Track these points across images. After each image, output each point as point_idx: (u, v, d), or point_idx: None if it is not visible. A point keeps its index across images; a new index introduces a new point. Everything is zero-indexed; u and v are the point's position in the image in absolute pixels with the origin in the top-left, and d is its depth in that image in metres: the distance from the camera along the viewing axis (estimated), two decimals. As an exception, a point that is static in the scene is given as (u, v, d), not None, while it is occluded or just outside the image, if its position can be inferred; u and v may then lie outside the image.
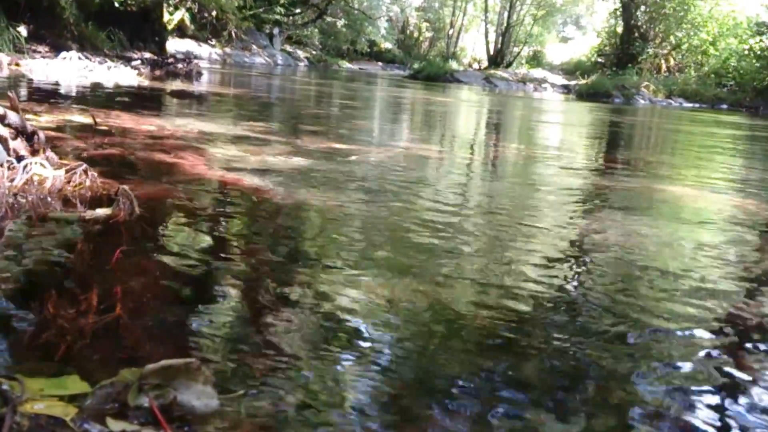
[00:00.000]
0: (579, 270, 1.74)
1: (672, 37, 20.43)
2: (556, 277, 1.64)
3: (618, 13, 22.53)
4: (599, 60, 23.28)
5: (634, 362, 1.19)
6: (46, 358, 1.02)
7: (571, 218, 2.39)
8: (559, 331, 1.30)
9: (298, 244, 1.74)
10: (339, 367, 1.07)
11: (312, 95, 9.01)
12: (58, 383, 0.94)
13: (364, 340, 1.18)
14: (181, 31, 17.90)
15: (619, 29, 22.23)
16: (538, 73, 23.03)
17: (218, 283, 1.40)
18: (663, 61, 20.14)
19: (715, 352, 1.28)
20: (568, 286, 1.59)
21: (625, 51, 20.56)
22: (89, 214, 1.69)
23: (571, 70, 24.61)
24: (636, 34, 20.48)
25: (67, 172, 1.97)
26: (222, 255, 1.58)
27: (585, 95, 15.95)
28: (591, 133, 6.84)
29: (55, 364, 1.01)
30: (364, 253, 1.67)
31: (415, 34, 42.75)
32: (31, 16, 9.07)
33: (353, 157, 3.27)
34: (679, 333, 1.34)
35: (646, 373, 1.15)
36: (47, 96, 4.69)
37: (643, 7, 20.67)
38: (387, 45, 38.31)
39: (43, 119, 3.28)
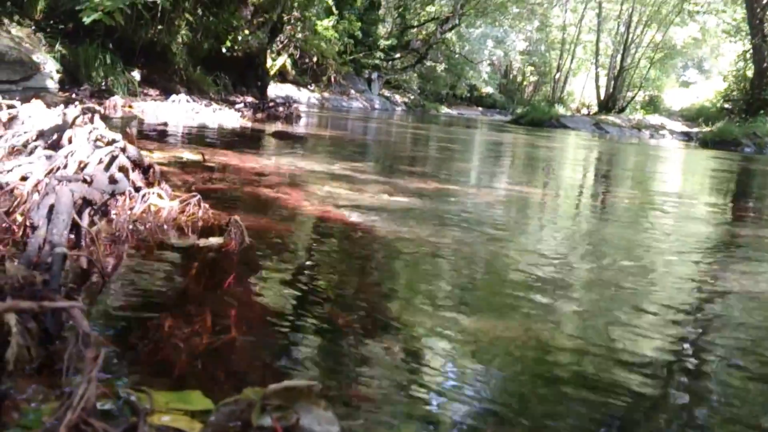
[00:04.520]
0: (701, 325, 1.67)
1: (812, 81, 19.30)
2: (673, 330, 1.58)
3: (748, 55, 21.61)
4: (726, 106, 22.31)
5: None
6: (164, 375, 1.12)
7: (693, 267, 2.30)
8: (674, 391, 1.26)
9: (397, 279, 1.80)
10: (444, 402, 1.09)
11: (409, 138, 9.22)
12: (182, 398, 1.02)
13: (464, 377, 1.21)
14: (282, 76, 18.94)
15: (749, 73, 21.27)
16: (654, 119, 22.36)
17: (323, 312, 1.47)
18: (802, 108, 18.98)
19: None
20: (688, 342, 1.52)
21: (756, 96, 19.59)
22: (203, 242, 1.84)
23: (693, 116, 23.74)
24: (769, 78, 19.50)
25: (181, 202, 2.15)
26: (326, 285, 1.67)
27: (709, 143, 15.27)
28: (717, 182, 6.54)
29: (174, 380, 1.10)
30: (463, 291, 1.70)
31: (519, 79, 42.85)
32: (145, 61, 9.95)
33: (454, 198, 3.33)
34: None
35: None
36: (158, 135, 5.10)
37: (776, 49, 19.73)
38: (488, 89, 38.61)
39: (156, 155, 3.58)
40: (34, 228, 1.52)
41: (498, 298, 1.71)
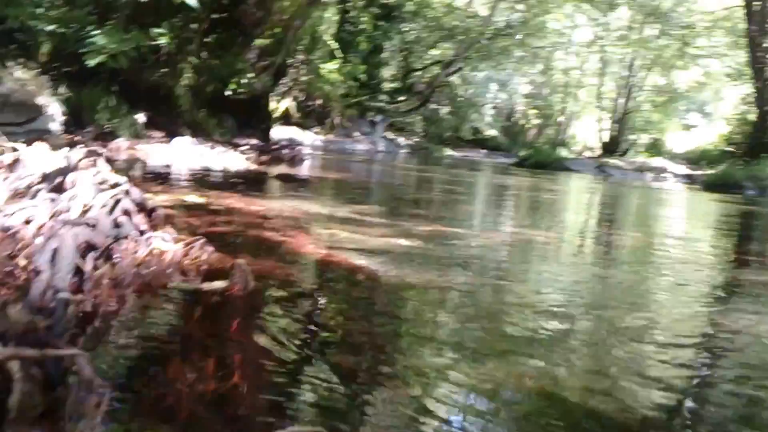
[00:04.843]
0: (704, 369, 1.66)
1: (815, 125, 19.46)
2: (676, 373, 1.57)
3: (750, 99, 21.87)
4: (728, 149, 22.49)
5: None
6: (168, 421, 1.11)
7: (694, 311, 2.29)
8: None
9: (402, 324, 1.80)
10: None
11: (413, 181, 9.27)
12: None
13: (470, 423, 1.20)
14: (286, 118, 19.20)
15: (751, 116, 21.50)
16: (657, 161, 22.50)
17: (328, 356, 1.47)
18: (805, 151, 19.08)
19: None
20: (690, 386, 1.51)
21: (758, 140, 19.74)
22: (207, 286, 1.84)
23: (696, 159, 23.89)
24: (771, 122, 19.68)
25: (185, 246, 2.16)
26: (330, 330, 1.67)
27: (712, 186, 15.33)
28: (719, 225, 6.54)
29: (177, 426, 1.09)
30: (467, 336, 1.70)
31: (522, 121, 43.27)
32: (150, 103, 10.08)
33: (459, 241, 3.34)
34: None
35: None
36: (162, 178, 5.14)
37: (779, 93, 19.95)
38: (492, 132, 38.96)
39: (160, 198, 3.60)
40: (37, 272, 1.53)
41: (502, 343, 1.70)
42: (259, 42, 12.48)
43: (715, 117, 35.18)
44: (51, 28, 8.97)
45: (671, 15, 28.77)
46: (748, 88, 22.30)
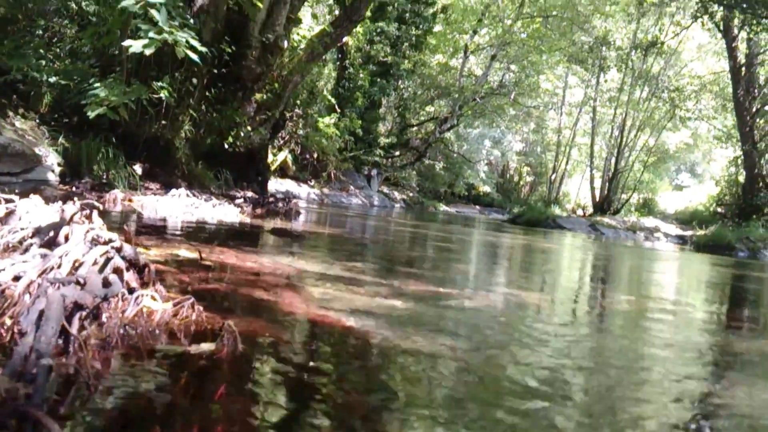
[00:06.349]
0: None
1: (804, 188, 19.74)
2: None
3: (739, 161, 22.22)
4: (719, 210, 22.72)
5: None
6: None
7: (690, 378, 2.26)
8: None
9: (393, 391, 1.76)
10: None
11: (408, 237, 9.27)
12: None
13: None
14: (282, 171, 19.32)
15: (741, 178, 21.80)
16: (649, 221, 22.66)
17: (317, 426, 1.42)
18: (795, 213, 19.30)
19: None
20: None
21: (748, 201, 19.99)
22: (194, 348, 1.80)
23: (687, 219, 24.10)
24: (761, 184, 19.96)
25: (175, 305, 2.13)
26: (320, 398, 1.62)
27: (703, 247, 15.42)
28: (713, 287, 6.53)
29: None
30: (459, 404, 1.66)
31: (516, 178, 43.73)
32: (148, 155, 10.14)
33: (451, 302, 3.30)
34: None
35: None
36: (156, 230, 5.12)
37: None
38: (485, 188, 39.31)
39: (152, 253, 3.58)
40: (22, 334, 1.49)
41: (494, 412, 1.66)
42: (258, 96, 12.66)
43: (705, 178, 35.69)
44: (54, 79, 9.11)
45: (661, 78, 29.48)
46: (736, 151, 22.69)
